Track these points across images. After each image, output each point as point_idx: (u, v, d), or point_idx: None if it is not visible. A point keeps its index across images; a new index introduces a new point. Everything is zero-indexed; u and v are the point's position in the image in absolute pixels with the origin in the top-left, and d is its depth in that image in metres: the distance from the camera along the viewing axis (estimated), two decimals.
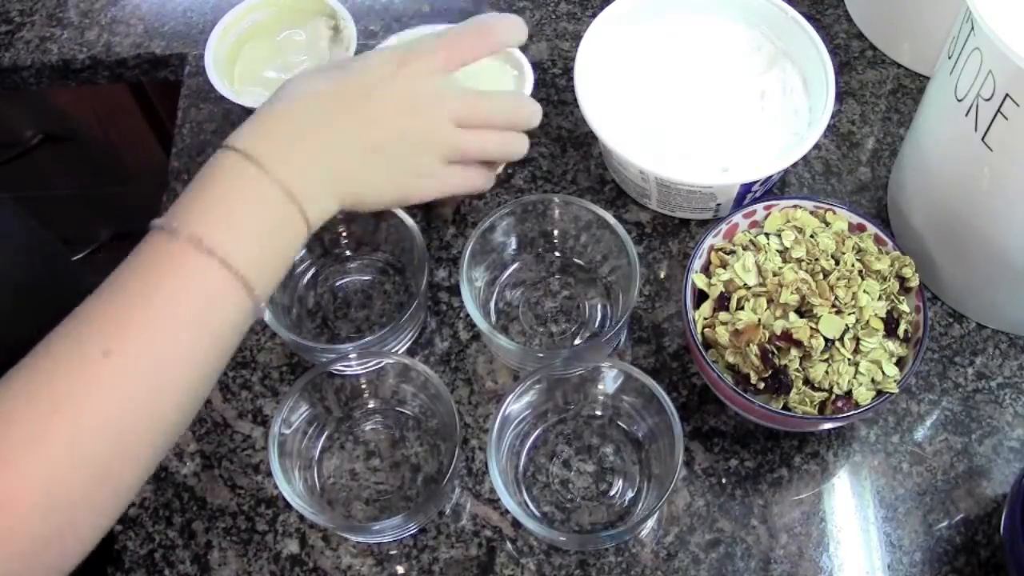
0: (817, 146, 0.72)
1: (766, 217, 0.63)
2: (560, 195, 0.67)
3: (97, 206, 1.10)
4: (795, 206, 0.63)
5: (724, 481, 0.63)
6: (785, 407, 0.58)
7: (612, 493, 0.62)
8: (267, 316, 0.62)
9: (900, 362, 0.59)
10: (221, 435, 0.65)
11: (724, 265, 0.61)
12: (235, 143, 0.52)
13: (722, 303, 0.60)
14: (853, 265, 0.59)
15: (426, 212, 0.72)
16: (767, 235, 0.62)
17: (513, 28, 0.60)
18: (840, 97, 0.76)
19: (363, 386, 0.64)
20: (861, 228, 0.63)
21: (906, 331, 0.59)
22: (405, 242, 0.66)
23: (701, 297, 0.62)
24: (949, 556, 0.60)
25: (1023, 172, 0.55)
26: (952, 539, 0.61)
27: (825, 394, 0.57)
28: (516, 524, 0.62)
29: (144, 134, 0.96)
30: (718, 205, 0.69)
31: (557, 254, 0.70)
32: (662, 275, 0.70)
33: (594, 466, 0.63)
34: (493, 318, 0.68)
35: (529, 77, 0.71)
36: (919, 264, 0.61)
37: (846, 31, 0.80)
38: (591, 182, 0.74)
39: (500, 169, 0.66)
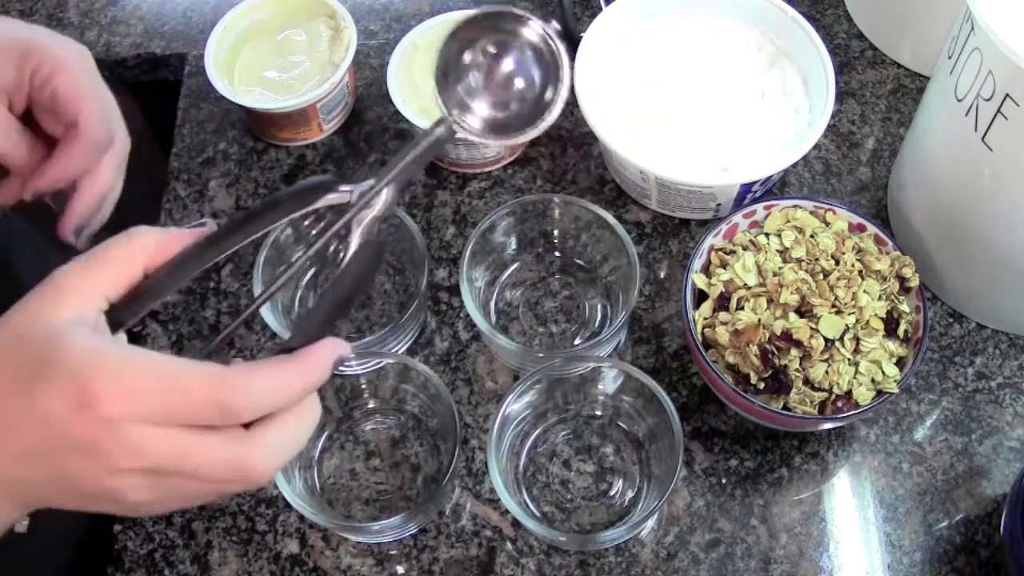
0: (817, 146, 0.72)
1: (766, 217, 0.63)
2: (560, 195, 0.67)
3: None
4: (795, 206, 0.63)
5: (724, 481, 0.63)
6: (785, 407, 0.58)
7: (612, 493, 0.62)
8: (268, 316, 0.62)
9: (900, 362, 0.59)
10: None
11: (724, 265, 0.61)
12: None
13: (722, 303, 0.60)
14: (853, 265, 0.59)
15: (426, 212, 0.72)
16: (767, 235, 0.62)
17: (264, 399, 0.38)
18: (840, 97, 0.76)
19: (363, 386, 0.64)
20: (861, 228, 0.63)
21: (906, 331, 0.59)
22: (405, 242, 0.66)
23: (701, 297, 0.62)
24: (949, 556, 0.60)
25: (1023, 172, 0.55)
26: (952, 539, 0.61)
27: (825, 394, 0.57)
28: (516, 524, 0.62)
29: (144, 134, 0.96)
30: (718, 205, 0.69)
31: (557, 254, 0.70)
32: (662, 275, 0.70)
33: (594, 466, 0.63)
34: (493, 318, 0.68)
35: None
36: (919, 264, 0.61)
37: (846, 31, 0.80)
38: (591, 182, 0.74)
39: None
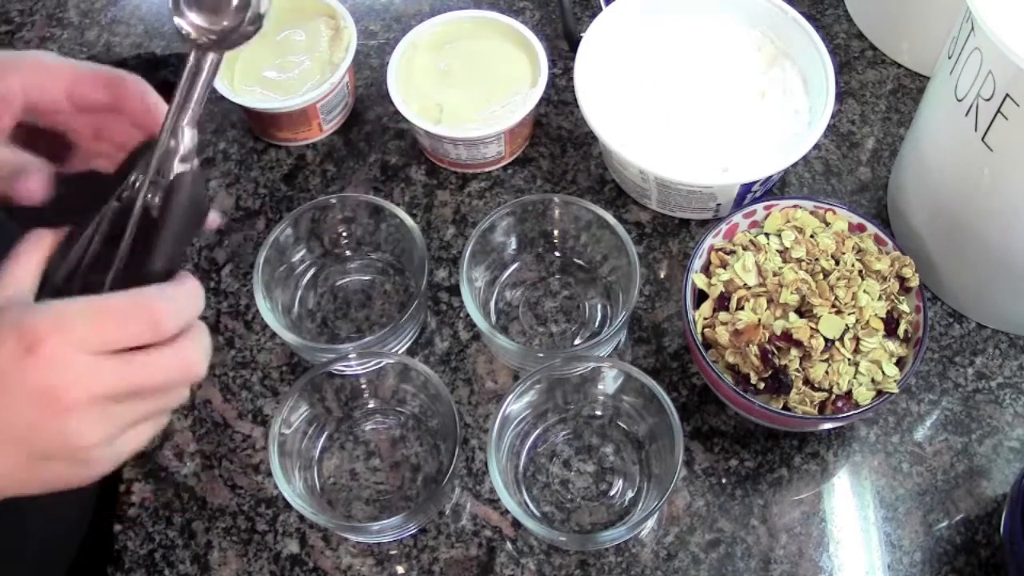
0: (817, 146, 0.72)
1: (766, 217, 0.63)
2: (560, 195, 0.67)
3: None
4: (795, 206, 0.63)
5: (724, 481, 0.63)
6: (785, 407, 0.58)
7: (612, 493, 0.62)
8: (267, 316, 0.62)
9: (900, 362, 0.59)
10: (221, 435, 0.65)
11: (724, 265, 0.61)
12: None
13: (722, 303, 0.60)
14: (853, 265, 0.59)
15: (426, 212, 0.72)
16: (767, 235, 0.62)
17: (184, 311, 0.43)
18: (840, 97, 0.76)
19: (363, 386, 0.64)
20: (861, 228, 0.63)
21: (906, 331, 0.59)
22: (405, 242, 0.66)
23: (701, 297, 0.62)
24: (949, 556, 0.60)
25: (1023, 172, 0.55)
26: (952, 539, 0.61)
27: (825, 394, 0.57)
28: (516, 524, 0.62)
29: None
30: (718, 205, 0.69)
31: (557, 254, 0.70)
32: (662, 275, 0.70)
33: (594, 466, 0.63)
34: (493, 318, 0.68)
35: (544, 66, 0.70)
36: (919, 264, 0.61)
37: (846, 31, 0.80)
38: (591, 182, 0.74)
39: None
